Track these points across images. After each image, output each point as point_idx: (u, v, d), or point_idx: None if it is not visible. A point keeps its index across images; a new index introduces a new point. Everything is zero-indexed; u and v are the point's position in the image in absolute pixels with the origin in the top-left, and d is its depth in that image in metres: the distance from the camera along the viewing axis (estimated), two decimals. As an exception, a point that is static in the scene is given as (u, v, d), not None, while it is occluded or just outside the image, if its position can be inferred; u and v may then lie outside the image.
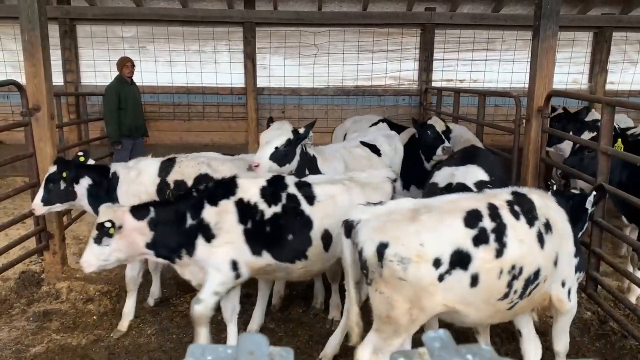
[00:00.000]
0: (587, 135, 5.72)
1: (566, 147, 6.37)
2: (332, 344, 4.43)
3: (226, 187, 4.16)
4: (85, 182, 5.11)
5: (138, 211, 4.06)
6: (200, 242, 4.04)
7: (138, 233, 4.02)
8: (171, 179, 5.11)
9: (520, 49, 11.32)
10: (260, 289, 5.02)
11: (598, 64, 11.35)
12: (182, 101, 11.14)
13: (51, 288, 5.88)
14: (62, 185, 5.03)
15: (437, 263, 3.01)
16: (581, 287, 5.35)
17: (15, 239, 5.97)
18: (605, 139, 4.64)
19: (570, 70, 11.51)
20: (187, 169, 5.16)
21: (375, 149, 6.07)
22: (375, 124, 7.80)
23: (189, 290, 5.78)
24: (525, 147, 6.05)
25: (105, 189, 5.16)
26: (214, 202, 4.06)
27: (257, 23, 10.84)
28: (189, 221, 4.05)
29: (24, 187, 6.18)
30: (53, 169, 5.06)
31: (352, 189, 4.22)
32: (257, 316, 4.98)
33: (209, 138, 11.20)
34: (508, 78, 11.43)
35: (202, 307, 4.06)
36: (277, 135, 5.04)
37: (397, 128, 7.53)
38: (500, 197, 3.35)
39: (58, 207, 5.20)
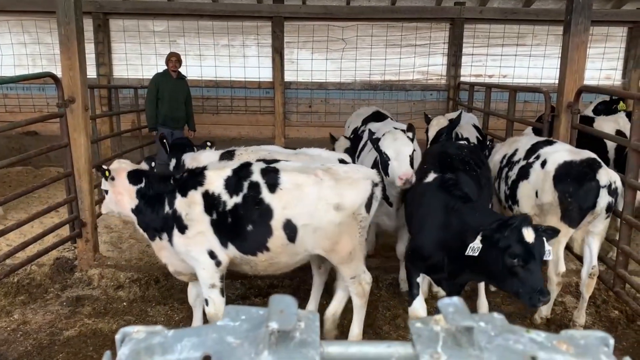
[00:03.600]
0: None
1: None
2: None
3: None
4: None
5: (134, 175, 4.40)
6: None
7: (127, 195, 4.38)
8: None
9: (551, 44, 11.14)
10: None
11: (632, 60, 11.11)
12: (211, 95, 11.30)
13: (83, 274, 6.06)
14: None
15: None
16: (608, 285, 5.29)
17: (49, 227, 6.16)
18: (637, 136, 4.57)
19: (603, 65, 11.30)
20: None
21: None
22: (372, 115, 7.65)
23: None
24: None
25: None
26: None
27: (285, 17, 10.91)
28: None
29: (59, 176, 6.38)
30: None
31: (324, 181, 4.07)
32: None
33: (236, 131, 11.34)
34: (538, 74, 11.27)
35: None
36: (404, 144, 4.76)
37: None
38: None
39: None
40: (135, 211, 4.37)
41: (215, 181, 4.14)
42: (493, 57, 11.31)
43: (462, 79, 11.12)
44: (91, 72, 11.01)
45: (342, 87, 11.38)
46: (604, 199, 4.48)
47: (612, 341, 0.64)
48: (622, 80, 11.33)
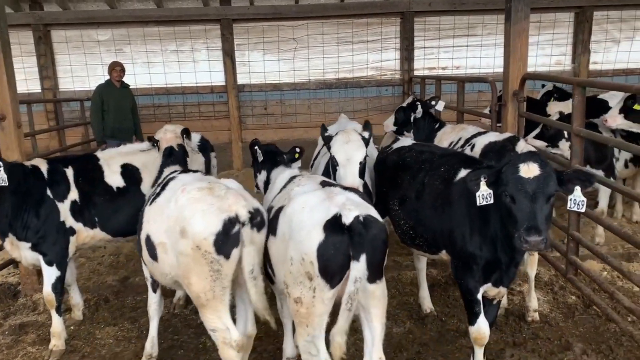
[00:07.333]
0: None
1: None
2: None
3: None
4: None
5: None
6: None
7: None
8: None
9: (501, 33, 11.00)
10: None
11: (580, 45, 11.24)
12: (162, 102, 11.02)
13: (28, 300, 5.79)
14: None
15: None
16: (561, 272, 5.29)
17: (-11, 252, 5.86)
18: (578, 121, 4.56)
19: (552, 52, 11.42)
20: None
21: None
22: None
23: (168, 295, 5.70)
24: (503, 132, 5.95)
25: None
26: None
27: (233, 19, 10.71)
28: None
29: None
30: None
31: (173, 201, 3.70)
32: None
33: (191, 138, 11.07)
34: (491, 63, 11.30)
35: None
36: (356, 149, 4.39)
37: None
38: None
39: None
40: None
41: None
42: (445, 49, 11.31)
43: (416, 72, 11.10)
44: (35, 86, 10.74)
45: (297, 87, 11.23)
46: None
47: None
48: (572, 65, 11.46)
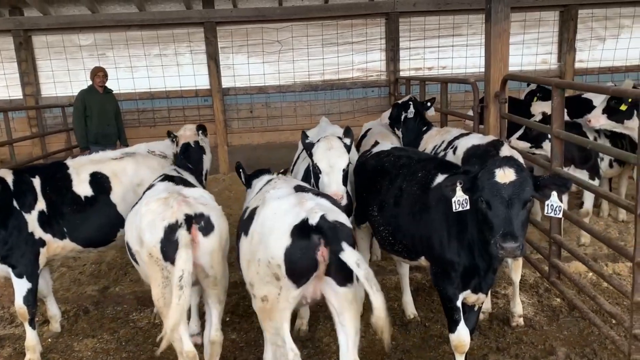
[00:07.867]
0: None
1: None
2: None
3: None
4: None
5: None
6: None
7: None
8: None
9: (486, 33, 11.16)
10: None
11: (566, 43, 11.24)
12: (147, 107, 10.93)
13: (5, 312, 5.68)
14: None
15: None
16: (544, 275, 5.24)
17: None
18: (557, 123, 4.51)
19: (538, 50, 11.41)
20: None
21: None
22: None
23: (149, 305, 5.61)
24: (486, 134, 5.89)
25: None
26: None
27: (217, 22, 10.63)
28: None
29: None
30: None
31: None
32: None
33: (176, 143, 10.97)
34: (477, 63, 11.24)
35: None
36: (339, 156, 4.35)
37: None
38: None
39: None
40: None
41: None
42: (431, 50, 11.27)
43: (402, 73, 11.05)
44: (17, 92, 10.61)
45: (282, 89, 11.16)
46: None
47: None
48: (558, 63, 11.46)
